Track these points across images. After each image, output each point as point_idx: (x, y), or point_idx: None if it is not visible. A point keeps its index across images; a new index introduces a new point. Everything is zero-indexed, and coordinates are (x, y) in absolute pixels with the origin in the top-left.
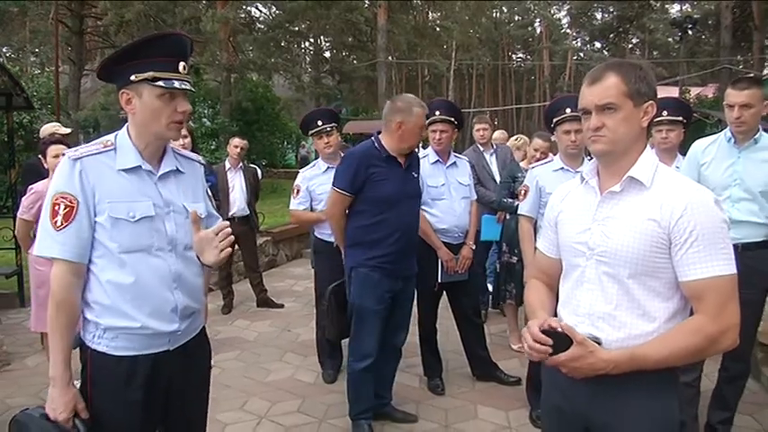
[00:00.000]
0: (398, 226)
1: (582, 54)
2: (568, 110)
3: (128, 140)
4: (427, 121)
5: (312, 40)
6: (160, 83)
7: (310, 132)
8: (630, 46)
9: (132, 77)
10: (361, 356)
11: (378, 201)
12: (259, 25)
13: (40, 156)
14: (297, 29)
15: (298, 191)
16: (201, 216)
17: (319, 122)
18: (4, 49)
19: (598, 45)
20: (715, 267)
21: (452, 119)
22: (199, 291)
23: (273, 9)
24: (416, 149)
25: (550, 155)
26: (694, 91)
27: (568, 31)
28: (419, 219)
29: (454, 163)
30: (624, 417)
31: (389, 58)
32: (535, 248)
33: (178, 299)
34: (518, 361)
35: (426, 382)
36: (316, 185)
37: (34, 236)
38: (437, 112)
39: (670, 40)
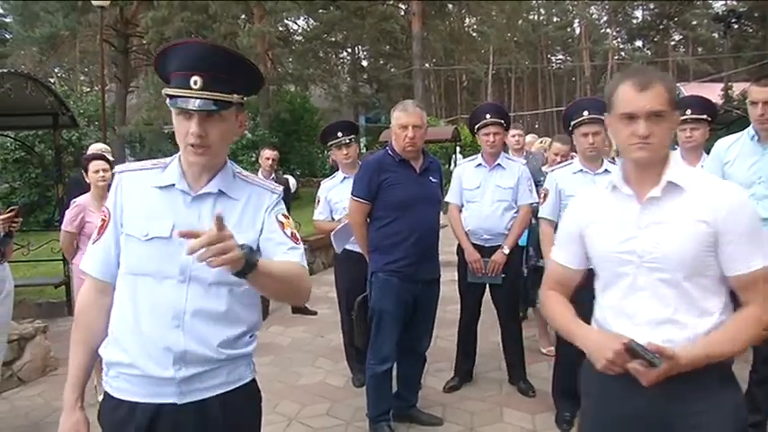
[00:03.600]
0: (413, 230)
1: (623, 53)
2: (586, 113)
3: (177, 159)
4: (477, 126)
5: (349, 49)
6: (171, 101)
7: (330, 143)
8: (674, 43)
9: (163, 93)
10: (380, 359)
11: (391, 205)
12: (296, 37)
13: (83, 171)
14: (334, 39)
15: (318, 201)
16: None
17: (339, 134)
18: (55, 70)
19: (639, 43)
20: (759, 260)
21: (502, 121)
22: (219, 338)
23: (311, 21)
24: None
25: (571, 157)
26: (741, 87)
27: (608, 30)
28: (437, 222)
29: (500, 165)
30: (705, 410)
31: (426, 65)
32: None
33: (177, 340)
34: (546, 364)
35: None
36: (334, 195)
37: (77, 247)
38: (487, 116)
39: (715, 35)
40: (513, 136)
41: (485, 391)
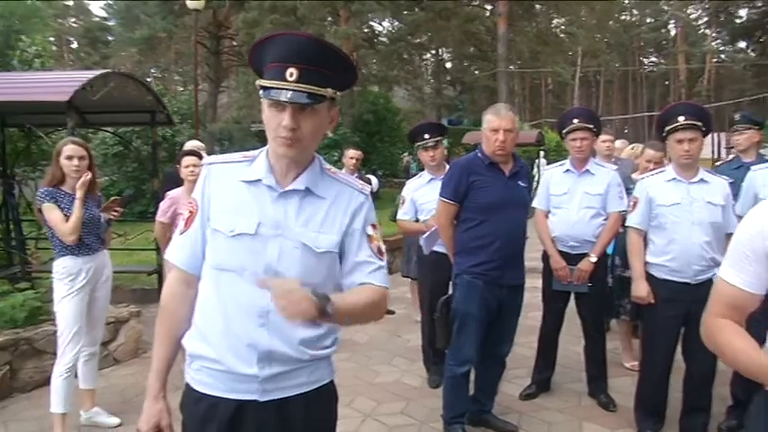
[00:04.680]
0: (501, 233)
1: (723, 56)
2: (681, 118)
3: (265, 153)
4: (565, 130)
5: (433, 51)
6: (264, 92)
7: (416, 144)
8: None
9: (257, 84)
10: (460, 361)
11: (479, 208)
12: (381, 39)
13: (177, 165)
14: (418, 41)
15: (403, 201)
16: (318, 250)
17: (426, 135)
18: (152, 70)
19: (742, 45)
20: None
21: (591, 126)
22: (303, 338)
23: (395, 23)
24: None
25: (665, 164)
26: None
27: (707, 31)
28: (525, 227)
29: (588, 171)
30: None
31: (511, 67)
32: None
33: (262, 338)
34: (630, 380)
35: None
36: (420, 196)
37: (170, 238)
38: (575, 120)
39: None
40: (604, 141)
41: (563, 402)
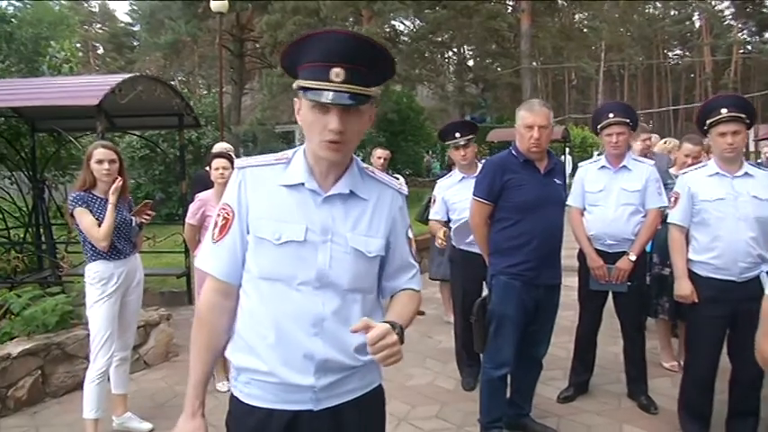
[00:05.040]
0: (537, 232)
1: (750, 47)
2: (724, 110)
3: (302, 155)
4: (599, 126)
5: (455, 49)
6: (307, 93)
7: (447, 143)
8: None
9: (295, 84)
10: (497, 364)
11: (515, 207)
12: (403, 38)
13: (207, 168)
14: (440, 39)
15: (434, 201)
16: (370, 255)
17: (457, 134)
18: (176, 74)
19: None
20: None
21: (627, 120)
22: (357, 345)
23: (417, 21)
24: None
25: (704, 159)
26: None
27: (732, 22)
28: (562, 226)
29: (625, 167)
30: None
31: (534, 63)
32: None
33: (316, 347)
34: (669, 380)
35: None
36: (451, 195)
37: (200, 240)
38: (610, 115)
39: None
40: (645, 140)
41: (602, 405)
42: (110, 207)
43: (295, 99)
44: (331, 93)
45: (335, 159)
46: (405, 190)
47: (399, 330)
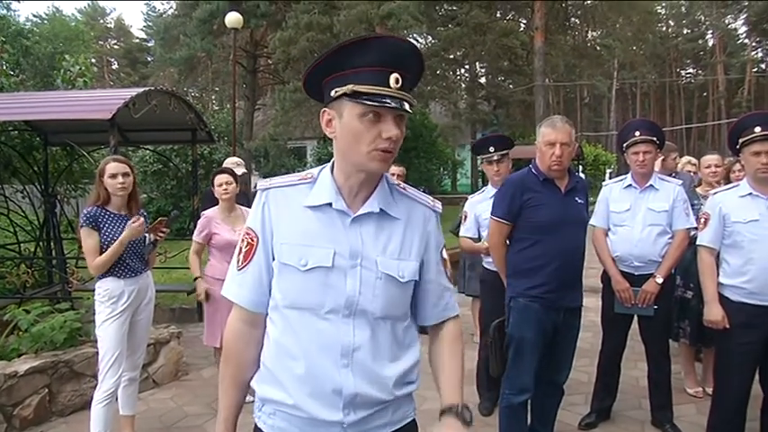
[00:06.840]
0: (558, 253)
1: (764, 66)
2: (758, 129)
3: (328, 173)
4: (626, 144)
5: (468, 66)
6: (363, 99)
7: (480, 157)
8: None
9: (332, 93)
10: (517, 390)
11: (535, 227)
12: None
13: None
14: (453, 56)
15: (465, 217)
16: (402, 280)
17: (491, 149)
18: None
19: None
20: None
21: (654, 138)
22: (390, 377)
23: (429, 38)
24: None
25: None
26: None
27: (746, 41)
28: (583, 246)
29: (652, 186)
30: None
31: (546, 80)
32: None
33: (347, 382)
34: (694, 407)
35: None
36: (482, 211)
37: (209, 258)
38: (637, 133)
39: None
40: (674, 159)
41: (624, 431)
42: (117, 242)
43: (325, 110)
44: (392, 98)
45: (383, 171)
46: (438, 207)
47: (462, 411)
